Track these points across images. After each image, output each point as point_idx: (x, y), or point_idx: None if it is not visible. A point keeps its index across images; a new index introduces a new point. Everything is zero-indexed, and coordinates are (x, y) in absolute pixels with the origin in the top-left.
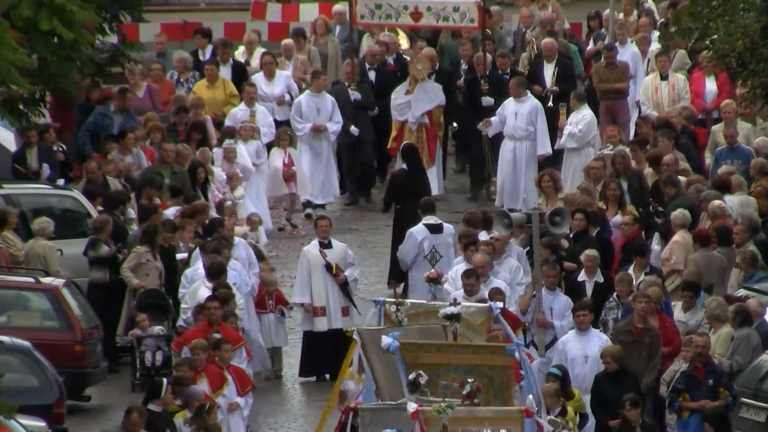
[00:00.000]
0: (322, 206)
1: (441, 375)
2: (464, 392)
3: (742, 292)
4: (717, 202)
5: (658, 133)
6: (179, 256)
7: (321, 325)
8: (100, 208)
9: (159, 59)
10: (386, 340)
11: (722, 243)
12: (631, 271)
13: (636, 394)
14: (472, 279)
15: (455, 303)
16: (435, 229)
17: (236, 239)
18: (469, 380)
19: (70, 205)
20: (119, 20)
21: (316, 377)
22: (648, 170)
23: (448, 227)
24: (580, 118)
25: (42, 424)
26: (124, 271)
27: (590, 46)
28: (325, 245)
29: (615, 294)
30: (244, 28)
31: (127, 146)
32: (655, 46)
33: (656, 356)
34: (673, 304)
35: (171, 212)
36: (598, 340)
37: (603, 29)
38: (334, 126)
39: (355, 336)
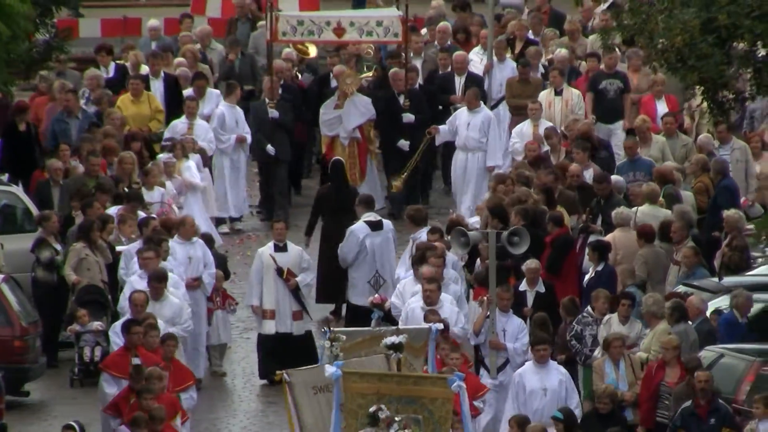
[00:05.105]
0: (239, 219)
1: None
2: None
3: (681, 289)
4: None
5: (573, 145)
6: (122, 247)
7: (269, 328)
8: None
9: (60, 77)
10: (329, 369)
11: (662, 239)
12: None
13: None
14: (434, 285)
15: (398, 332)
16: (375, 226)
17: (194, 239)
18: (396, 418)
19: (10, 201)
20: (51, 14)
21: (271, 381)
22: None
23: (387, 223)
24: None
25: None
26: (66, 270)
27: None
28: (279, 248)
29: (589, 307)
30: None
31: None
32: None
33: None
34: (608, 316)
35: (113, 210)
36: (557, 373)
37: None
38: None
39: (285, 378)
